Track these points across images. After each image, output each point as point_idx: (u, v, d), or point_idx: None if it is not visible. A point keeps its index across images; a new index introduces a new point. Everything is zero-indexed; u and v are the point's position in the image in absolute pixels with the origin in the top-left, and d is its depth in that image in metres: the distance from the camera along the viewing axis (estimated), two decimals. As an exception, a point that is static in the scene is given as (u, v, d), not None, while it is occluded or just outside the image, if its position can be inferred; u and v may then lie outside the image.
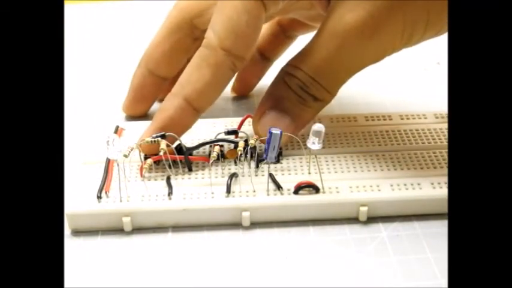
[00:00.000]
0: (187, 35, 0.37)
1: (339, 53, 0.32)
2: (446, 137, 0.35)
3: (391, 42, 0.32)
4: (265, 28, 0.40)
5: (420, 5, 0.31)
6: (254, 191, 0.32)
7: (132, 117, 0.40)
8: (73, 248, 0.30)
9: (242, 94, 0.43)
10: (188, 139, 0.35)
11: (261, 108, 0.33)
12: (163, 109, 0.33)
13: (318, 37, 0.32)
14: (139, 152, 0.33)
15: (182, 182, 0.32)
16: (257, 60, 0.41)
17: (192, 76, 0.32)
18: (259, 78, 0.42)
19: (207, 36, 0.32)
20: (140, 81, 0.39)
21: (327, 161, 0.34)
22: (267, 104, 0.33)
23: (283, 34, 0.41)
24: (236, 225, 0.31)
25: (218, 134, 0.34)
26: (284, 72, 0.33)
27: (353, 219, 0.31)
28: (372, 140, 0.35)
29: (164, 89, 0.38)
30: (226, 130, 0.34)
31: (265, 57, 0.41)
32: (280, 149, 0.34)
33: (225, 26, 0.32)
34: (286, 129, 0.32)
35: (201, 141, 0.34)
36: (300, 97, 0.33)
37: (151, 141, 0.32)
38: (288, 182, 0.32)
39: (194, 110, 0.33)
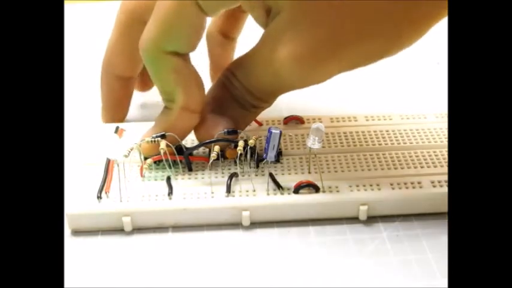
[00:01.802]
0: (140, 31, 0.35)
1: (274, 77, 0.31)
2: (446, 136, 0.35)
3: (328, 73, 0.31)
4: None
5: (362, 50, 0.30)
6: (254, 191, 0.32)
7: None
8: (73, 248, 0.30)
9: None
10: (188, 139, 0.35)
11: (202, 112, 0.33)
12: (164, 122, 0.33)
13: (257, 57, 0.32)
14: (140, 152, 0.33)
15: (182, 182, 0.32)
16: (223, 42, 0.40)
17: (163, 86, 0.32)
18: (231, 58, 0.41)
19: (144, 46, 0.31)
20: (108, 88, 0.38)
21: (327, 161, 0.34)
22: (208, 107, 0.33)
23: (238, 9, 0.39)
24: (236, 225, 0.31)
25: (218, 134, 0.34)
26: (225, 77, 0.33)
27: (353, 219, 0.31)
28: (372, 139, 0.35)
29: (134, 87, 0.39)
30: (226, 130, 0.34)
31: (229, 37, 0.41)
32: (280, 148, 0.34)
33: (158, 29, 0.31)
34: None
35: (198, 141, 0.34)
36: (240, 103, 0.33)
37: (152, 141, 0.32)
38: (288, 181, 0.32)
39: (194, 112, 0.33)
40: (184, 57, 0.32)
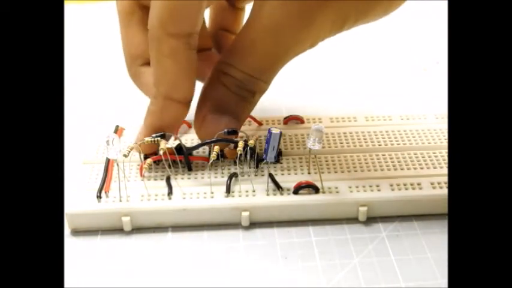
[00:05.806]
0: (145, 14, 0.34)
1: (274, 48, 0.31)
2: (446, 137, 0.35)
3: (322, 32, 0.31)
4: (214, 8, 0.39)
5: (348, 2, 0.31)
6: (254, 191, 0.32)
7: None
8: (73, 248, 0.30)
9: None
10: (188, 139, 0.35)
11: (200, 113, 0.33)
12: (150, 113, 0.32)
13: (249, 33, 0.32)
14: (139, 151, 0.33)
15: (182, 182, 0.32)
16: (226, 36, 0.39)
17: (158, 73, 0.32)
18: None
19: (150, 26, 0.31)
20: (145, 78, 0.36)
21: (326, 161, 0.34)
22: (206, 107, 0.33)
23: (233, 7, 0.39)
24: (236, 225, 0.31)
25: (218, 133, 0.34)
26: (219, 72, 0.32)
27: (353, 219, 0.31)
28: (372, 140, 0.35)
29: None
30: (226, 130, 0.34)
31: (230, 31, 0.40)
32: (280, 148, 0.34)
33: (162, 10, 0.30)
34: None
35: (200, 141, 0.34)
36: (239, 95, 0.32)
37: (152, 141, 0.32)
38: (288, 182, 0.32)
39: (179, 103, 0.32)
40: (187, 41, 0.31)
